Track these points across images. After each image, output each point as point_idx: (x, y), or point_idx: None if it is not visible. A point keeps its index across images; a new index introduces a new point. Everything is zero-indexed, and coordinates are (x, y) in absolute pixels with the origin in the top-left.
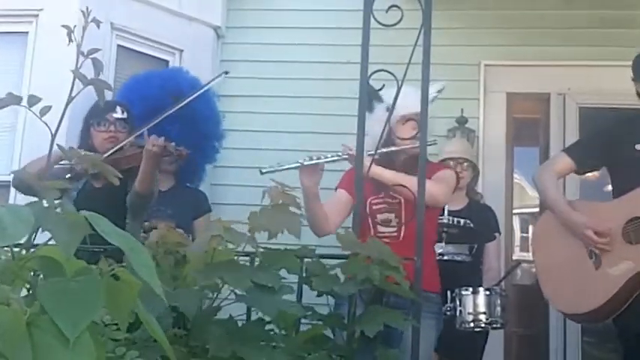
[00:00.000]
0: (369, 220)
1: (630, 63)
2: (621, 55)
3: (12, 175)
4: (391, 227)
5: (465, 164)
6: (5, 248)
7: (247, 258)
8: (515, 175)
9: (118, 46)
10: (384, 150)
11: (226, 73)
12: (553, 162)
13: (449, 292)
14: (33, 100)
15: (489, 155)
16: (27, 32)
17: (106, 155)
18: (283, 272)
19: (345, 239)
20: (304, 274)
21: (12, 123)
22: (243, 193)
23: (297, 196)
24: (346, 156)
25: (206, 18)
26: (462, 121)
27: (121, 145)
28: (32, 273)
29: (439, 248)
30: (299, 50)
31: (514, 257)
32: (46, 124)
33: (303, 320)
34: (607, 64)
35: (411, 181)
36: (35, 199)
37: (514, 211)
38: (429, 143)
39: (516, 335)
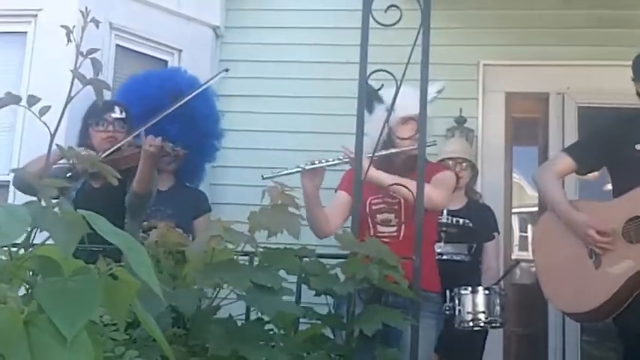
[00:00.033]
0: (369, 220)
1: (629, 62)
2: (620, 55)
3: (11, 175)
4: (391, 227)
5: (464, 164)
6: (4, 248)
7: (247, 258)
8: (514, 175)
9: (117, 46)
10: (384, 152)
11: (226, 70)
12: (554, 162)
13: (448, 292)
14: (32, 99)
15: (488, 155)
16: (26, 32)
17: (104, 155)
18: (282, 272)
19: (344, 239)
20: (303, 274)
21: (11, 123)
22: (243, 193)
23: (296, 197)
24: (347, 159)
25: (205, 18)
26: (460, 120)
27: (119, 145)
28: (31, 273)
29: (438, 248)
30: (298, 50)
31: (513, 256)
32: (45, 124)
33: (302, 320)
34: (606, 63)
35: (409, 186)
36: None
37: (513, 210)
38: (428, 144)
39: (515, 334)
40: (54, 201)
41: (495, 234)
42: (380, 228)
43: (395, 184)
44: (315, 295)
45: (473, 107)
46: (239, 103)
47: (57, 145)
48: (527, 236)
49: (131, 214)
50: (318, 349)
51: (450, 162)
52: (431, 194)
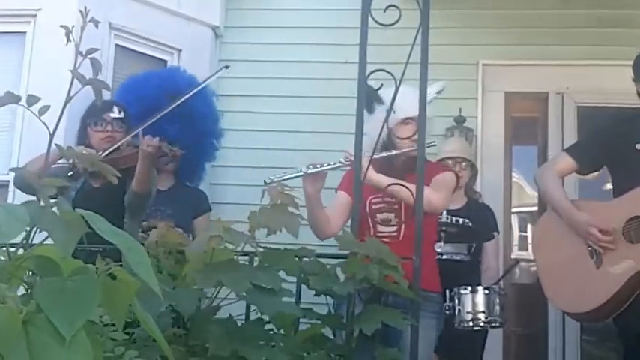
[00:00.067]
0: (369, 220)
1: (628, 62)
2: (619, 55)
3: (10, 175)
4: (391, 227)
5: (464, 164)
6: (2, 248)
7: (247, 258)
8: (513, 174)
9: (117, 45)
10: (384, 154)
11: (227, 67)
12: (554, 162)
13: (447, 291)
14: (31, 99)
15: (488, 154)
16: (25, 32)
17: (103, 155)
18: (282, 273)
19: (344, 239)
20: (302, 274)
21: (10, 123)
22: (243, 193)
23: (296, 197)
24: (348, 162)
25: (204, 18)
26: (460, 120)
27: (118, 145)
28: (31, 272)
29: (437, 247)
30: (298, 50)
31: (512, 256)
32: (45, 124)
33: (302, 319)
34: (605, 63)
35: (407, 191)
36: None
37: (512, 210)
38: (428, 145)
39: (515, 334)
40: (52, 201)
41: (495, 233)
42: (380, 228)
43: (394, 183)
44: (315, 294)
45: (472, 107)
46: (239, 102)
47: (56, 144)
48: (526, 236)
49: (130, 214)
50: (318, 349)
51: (450, 161)
52: (431, 198)
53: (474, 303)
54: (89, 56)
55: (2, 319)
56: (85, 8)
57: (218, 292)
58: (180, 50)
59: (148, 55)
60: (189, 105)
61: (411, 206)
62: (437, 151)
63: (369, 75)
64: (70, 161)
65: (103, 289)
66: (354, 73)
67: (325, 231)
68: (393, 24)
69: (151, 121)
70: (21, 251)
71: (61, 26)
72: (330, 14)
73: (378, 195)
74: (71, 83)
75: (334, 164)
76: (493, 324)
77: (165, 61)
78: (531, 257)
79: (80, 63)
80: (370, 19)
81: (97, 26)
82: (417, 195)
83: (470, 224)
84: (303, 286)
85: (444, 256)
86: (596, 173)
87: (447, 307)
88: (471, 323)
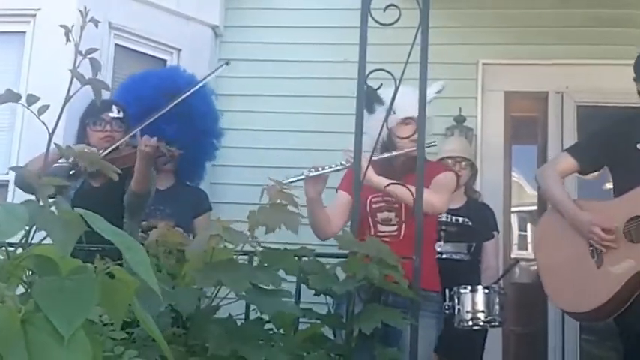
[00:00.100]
0: (370, 219)
1: (628, 61)
2: (619, 54)
3: (10, 174)
4: (391, 226)
5: (464, 163)
6: (1, 248)
7: (246, 257)
8: (513, 174)
9: (116, 45)
10: (385, 155)
11: (227, 63)
12: (556, 162)
13: (447, 291)
14: (31, 99)
15: (487, 154)
16: (25, 32)
17: (102, 155)
18: (282, 272)
19: (344, 238)
20: (302, 274)
21: (10, 122)
22: (243, 193)
23: (295, 195)
24: (349, 164)
25: (204, 17)
26: (460, 119)
27: (117, 145)
28: (30, 271)
29: (437, 247)
30: (298, 49)
31: (512, 255)
32: (44, 123)
33: (301, 319)
34: (605, 62)
35: (407, 192)
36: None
37: (512, 209)
38: (428, 145)
39: (515, 333)
40: (51, 200)
41: (495, 233)
42: (380, 227)
43: (393, 183)
44: (315, 294)
45: (472, 106)
46: (239, 102)
47: (55, 144)
48: (526, 235)
49: (130, 214)
50: (317, 349)
51: (450, 161)
52: (432, 200)
53: (474, 302)
54: (89, 56)
55: (1, 318)
56: (85, 8)
57: (218, 292)
58: (179, 50)
59: (148, 55)
60: (188, 104)
61: (412, 206)
62: (437, 151)
63: (368, 74)
64: (71, 160)
65: (102, 288)
66: (353, 73)
67: (326, 231)
68: (392, 23)
69: (150, 120)
70: (20, 250)
71: (61, 26)
72: (329, 14)
73: (378, 194)
74: (70, 83)
75: (335, 167)
76: (493, 323)
77: (164, 61)
78: (531, 256)
79: (80, 63)
80: (370, 18)
81: (96, 26)
82: (416, 195)
83: (470, 223)
84: (303, 286)
85: (444, 256)
86: (596, 173)
87: (446, 307)
88: (470, 322)
